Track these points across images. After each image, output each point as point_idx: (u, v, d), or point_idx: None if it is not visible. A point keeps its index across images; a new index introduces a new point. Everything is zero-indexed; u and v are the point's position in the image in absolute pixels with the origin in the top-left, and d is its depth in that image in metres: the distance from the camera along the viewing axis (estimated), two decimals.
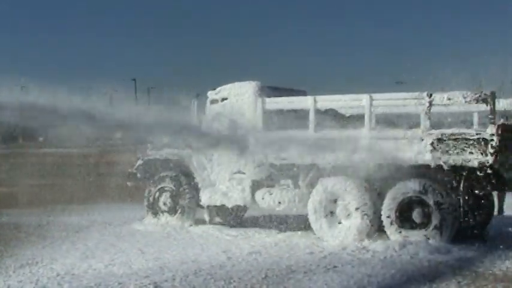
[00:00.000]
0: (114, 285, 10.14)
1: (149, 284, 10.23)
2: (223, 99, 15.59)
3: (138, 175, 16.87)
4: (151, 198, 16.40)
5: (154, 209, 16.34)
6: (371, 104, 13.72)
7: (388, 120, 15.34)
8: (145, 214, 16.51)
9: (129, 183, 17.50)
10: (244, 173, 15.13)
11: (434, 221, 12.99)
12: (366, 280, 10.42)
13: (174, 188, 16.10)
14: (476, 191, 13.19)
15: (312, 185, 14.23)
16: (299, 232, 14.45)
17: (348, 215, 13.75)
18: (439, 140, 12.88)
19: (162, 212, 16.23)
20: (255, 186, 14.96)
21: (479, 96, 12.83)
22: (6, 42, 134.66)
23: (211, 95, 15.82)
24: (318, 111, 14.23)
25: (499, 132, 12.50)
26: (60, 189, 24.65)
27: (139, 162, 16.85)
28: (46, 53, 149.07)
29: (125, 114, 12.78)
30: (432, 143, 12.91)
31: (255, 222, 16.30)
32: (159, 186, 16.31)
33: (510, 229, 14.94)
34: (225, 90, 15.65)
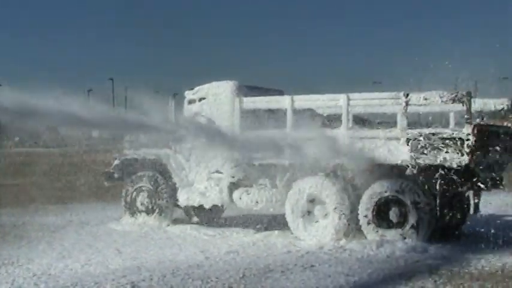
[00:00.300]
0: (91, 285, 10.08)
1: (126, 283, 10.19)
2: (201, 98, 15.57)
3: (115, 175, 16.81)
4: (128, 198, 16.34)
5: (131, 208, 16.28)
6: (348, 104, 13.77)
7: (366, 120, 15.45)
8: (123, 214, 16.45)
9: (106, 183, 17.42)
10: (222, 173, 15.13)
11: (411, 220, 13.07)
12: (343, 279, 10.45)
13: (151, 187, 16.05)
14: (452, 191, 13.30)
15: (289, 185, 14.26)
16: (276, 231, 14.45)
17: (325, 214, 13.78)
18: (416, 140, 12.95)
19: (140, 211, 16.18)
20: (233, 186, 14.96)
21: (456, 96, 12.92)
22: None
23: (188, 94, 15.80)
24: (295, 111, 14.25)
25: (475, 132, 12.59)
26: (36, 188, 24.49)
27: (116, 161, 16.79)
28: (22, 53, 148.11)
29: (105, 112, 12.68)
30: (409, 143, 12.98)
31: (233, 222, 16.30)
32: (137, 186, 16.26)
33: (485, 228, 15.04)
34: (202, 90, 15.63)
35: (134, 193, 16.27)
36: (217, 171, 15.21)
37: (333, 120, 15.12)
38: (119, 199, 16.80)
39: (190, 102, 15.71)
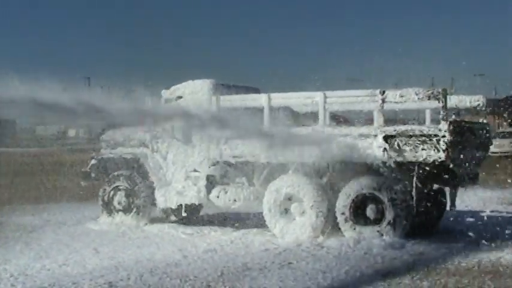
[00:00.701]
0: (69, 285, 10.04)
1: (104, 283, 10.16)
2: (178, 97, 15.53)
3: (92, 174, 16.75)
4: (105, 198, 16.28)
5: (109, 208, 16.22)
6: (325, 102, 13.81)
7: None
8: (100, 213, 16.38)
9: (83, 183, 17.36)
10: (199, 172, 15.12)
11: (388, 217, 13.13)
12: (320, 276, 10.49)
13: (128, 186, 16.00)
14: (429, 187, 13.39)
15: (266, 183, 14.27)
16: (254, 229, 14.47)
17: (303, 212, 13.81)
18: (392, 137, 13.02)
19: (117, 211, 16.12)
20: (210, 184, 14.96)
21: (431, 93, 12.99)
22: None
23: (165, 94, 15.74)
24: (272, 109, 14.26)
25: (451, 128, 12.68)
26: (13, 188, 24.35)
27: (93, 161, 16.72)
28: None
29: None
30: (385, 140, 13.04)
31: (211, 221, 16.29)
32: (114, 185, 16.20)
33: (462, 224, 15.18)
34: (179, 89, 15.59)
35: (111, 192, 16.21)
36: (195, 170, 15.21)
37: (309, 118, 15.18)
38: (96, 199, 16.71)
39: (167, 101, 15.66)
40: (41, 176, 28.89)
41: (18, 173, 29.60)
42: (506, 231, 14.50)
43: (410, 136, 12.95)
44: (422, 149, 12.83)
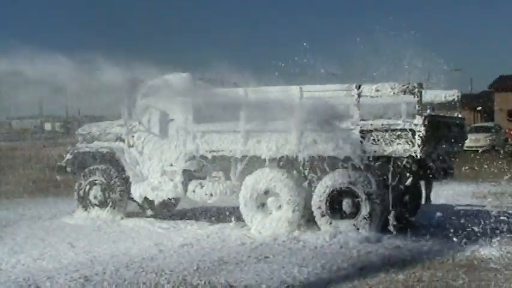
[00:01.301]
0: (43, 280, 9.98)
1: (79, 277, 10.11)
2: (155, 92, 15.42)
3: (68, 168, 16.65)
4: (81, 192, 16.18)
5: (84, 202, 16.13)
6: (301, 95, 13.81)
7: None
8: (76, 208, 16.29)
9: (58, 177, 17.27)
10: (175, 166, 15.08)
11: (364, 211, 13.17)
12: (296, 270, 10.50)
13: (104, 181, 15.92)
14: (404, 181, 13.44)
15: (243, 177, 14.27)
16: (231, 224, 14.46)
17: (279, 206, 13.83)
18: (368, 131, 13.06)
19: (93, 205, 16.04)
20: (187, 179, 14.93)
21: (407, 87, 13.05)
22: None
23: (141, 89, 15.62)
24: (249, 103, 14.24)
25: (426, 123, 12.74)
26: None
27: (69, 155, 16.62)
28: None
29: None
30: (361, 134, 13.08)
31: (187, 215, 16.27)
32: (90, 180, 16.11)
33: (437, 218, 15.26)
34: (155, 84, 15.45)
35: (87, 187, 16.12)
36: (171, 165, 15.17)
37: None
38: (72, 193, 16.63)
39: (144, 96, 15.56)
40: (16, 170, 28.68)
41: None
42: (481, 225, 14.61)
43: (386, 130, 13.00)
44: (398, 144, 12.88)
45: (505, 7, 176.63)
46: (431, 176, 13.86)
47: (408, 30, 15.26)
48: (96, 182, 16.02)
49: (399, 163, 13.01)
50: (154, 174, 15.39)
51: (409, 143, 12.80)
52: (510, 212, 17.47)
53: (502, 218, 16.16)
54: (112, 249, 12.29)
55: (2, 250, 12.28)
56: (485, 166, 30.21)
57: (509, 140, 53.83)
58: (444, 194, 18.94)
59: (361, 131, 13.08)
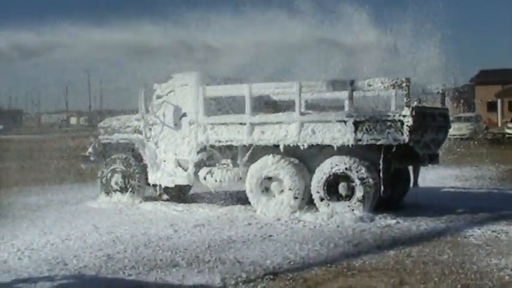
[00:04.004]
0: (71, 258, 10.00)
1: (103, 256, 10.14)
2: (169, 92, 15.41)
3: (91, 158, 16.69)
4: (104, 179, 16.22)
5: (107, 188, 16.17)
6: (300, 91, 13.81)
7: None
8: (99, 193, 16.32)
9: (83, 166, 17.32)
10: (188, 155, 15.08)
11: (358, 193, 13.17)
12: (297, 247, 10.52)
13: (124, 169, 15.95)
14: (394, 166, 13.44)
15: (249, 164, 14.27)
16: (238, 206, 14.49)
17: (282, 190, 13.82)
18: (361, 122, 13.05)
19: (114, 190, 16.07)
20: (198, 166, 14.94)
21: (396, 82, 13.03)
22: None
23: (157, 90, 15.58)
24: (253, 98, 14.25)
25: (413, 113, 12.73)
26: (20, 171, 24.24)
27: (92, 146, 16.68)
28: None
29: None
30: (354, 124, 13.07)
31: (199, 199, 16.28)
32: (111, 168, 16.14)
33: (424, 199, 15.27)
34: (169, 85, 15.42)
35: (109, 174, 16.15)
36: (184, 154, 15.17)
37: (287, 105, 15.19)
38: (95, 180, 16.66)
39: (159, 97, 15.56)
40: (45, 160, 28.77)
41: (25, 157, 29.46)
42: (463, 205, 14.64)
43: (377, 121, 12.99)
44: (388, 133, 12.87)
45: (484, 6, 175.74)
46: (418, 161, 13.84)
47: (398, 27, 15.22)
48: (117, 169, 16.05)
49: (389, 150, 13.00)
50: (169, 163, 15.40)
51: (398, 132, 12.78)
52: (490, 193, 17.53)
53: (482, 198, 16.22)
54: (132, 230, 12.31)
55: (33, 232, 12.31)
56: (467, 152, 30.24)
57: (489, 128, 53.83)
58: (430, 177, 18.92)
59: (355, 122, 13.06)
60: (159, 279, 8.70)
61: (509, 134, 46.87)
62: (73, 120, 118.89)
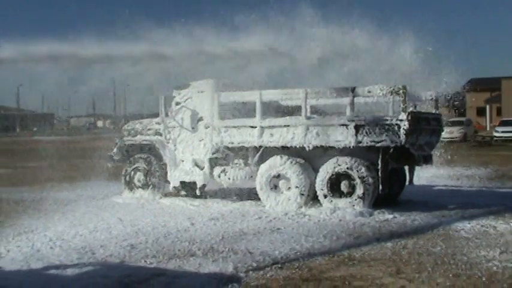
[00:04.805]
0: (98, 248, 10.06)
1: (126, 245, 10.19)
2: (187, 99, 15.44)
3: (116, 157, 16.75)
4: (127, 176, 16.27)
5: (130, 185, 16.21)
6: (306, 97, 13.81)
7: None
8: (123, 189, 16.36)
9: (109, 164, 17.38)
10: (204, 155, 15.11)
11: (358, 191, 13.16)
12: (303, 239, 10.53)
13: (146, 167, 15.99)
14: (391, 166, 13.41)
15: (259, 164, 14.28)
16: (249, 202, 14.50)
17: (289, 187, 13.83)
18: (361, 125, 13.03)
19: (137, 187, 16.11)
20: (213, 166, 14.96)
21: (393, 89, 13.01)
22: None
23: (176, 96, 15.60)
24: (263, 103, 14.26)
25: (409, 118, 12.71)
26: (51, 170, 24.35)
27: (117, 146, 16.74)
28: None
29: None
30: (355, 128, 13.06)
31: (214, 195, 16.30)
32: (134, 166, 16.19)
33: (419, 196, 15.24)
34: (187, 92, 15.45)
35: (132, 172, 16.20)
36: (200, 154, 15.19)
37: (294, 110, 15.18)
38: (120, 177, 16.72)
39: (177, 104, 15.59)
40: (75, 159, 28.88)
41: (56, 157, 29.57)
42: (454, 201, 14.58)
43: (376, 125, 12.97)
44: (386, 135, 12.85)
45: (471, 19, 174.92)
46: (413, 161, 13.80)
47: (396, 36, 15.14)
48: (139, 168, 16.09)
49: (387, 151, 12.98)
50: (186, 162, 15.43)
51: (396, 134, 12.76)
52: (479, 191, 17.46)
53: (472, 196, 16.15)
54: (153, 223, 12.35)
55: (64, 223, 12.37)
56: (459, 153, 30.10)
57: (478, 132, 53.64)
58: (425, 176, 18.87)
59: (356, 126, 13.05)
60: (178, 267, 8.74)
61: (497, 137, 46.75)
62: (99, 123, 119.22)
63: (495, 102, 71.46)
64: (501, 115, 62.41)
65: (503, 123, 49.91)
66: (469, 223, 11.82)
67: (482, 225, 11.59)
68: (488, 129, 62.43)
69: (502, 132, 47.50)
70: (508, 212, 12.97)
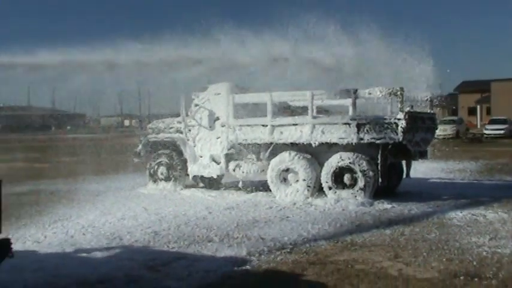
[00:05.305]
0: (125, 234, 10.12)
1: (151, 232, 10.23)
2: (206, 101, 15.46)
3: (141, 153, 16.81)
4: (151, 170, 16.31)
5: (154, 177, 16.26)
6: (313, 98, 13.79)
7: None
8: (148, 181, 16.41)
9: (134, 159, 17.44)
10: (220, 151, 15.13)
11: (360, 183, 13.12)
12: (310, 226, 10.53)
13: (168, 162, 16.03)
14: (390, 160, 13.37)
15: (270, 159, 14.28)
16: (261, 193, 14.50)
17: (297, 180, 13.82)
18: (362, 124, 13.00)
19: (160, 179, 16.16)
20: (228, 160, 14.98)
21: (392, 91, 12.97)
22: None
23: (195, 99, 15.62)
24: (273, 104, 14.25)
25: (406, 117, 12.67)
26: (84, 164, 24.49)
27: (142, 143, 16.79)
28: None
29: None
30: (357, 126, 13.03)
31: (229, 186, 16.32)
32: (157, 161, 16.23)
33: (415, 188, 15.18)
34: (205, 95, 15.46)
35: (156, 166, 16.24)
36: (217, 150, 15.22)
37: (301, 110, 15.14)
38: (145, 171, 16.78)
39: (196, 106, 15.62)
40: (104, 154, 29.01)
41: (87, 152, 29.71)
42: (448, 192, 14.52)
43: (376, 123, 12.94)
44: (385, 133, 12.81)
45: (463, 23, 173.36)
46: (410, 156, 13.76)
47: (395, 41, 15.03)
48: (162, 162, 16.14)
49: (386, 147, 12.94)
50: (204, 157, 15.46)
51: (394, 132, 12.72)
52: (470, 183, 17.37)
53: (464, 187, 16.08)
54: (174, 211, 12.39)
55: (95, 212, 12.44)
56: (451, 149, 29.93)
57: (469, 129, 53.34)
58: (420, 170, 18.78)
59: (357, 124, 13.02)
60: (197, 252, 8.77)
61: (486, 134, 46.57)
62: (126, 122, 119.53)
63: (485, 102, 71.04)
64: (490, 114, 62.11)
65: (492, 122, 49.75)
66: (461, 212, 11.77)
67: (473, 214, 11.53)
68: (478, 127, 62.02)
69: (491, 130, 47.37)
70: (497, 202, 12.90)
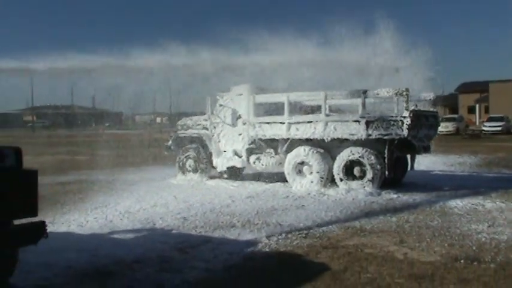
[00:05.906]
0: (157, 219, 10.18)
1: (180, 218, 10.29)
2: (229, 100, 15.47)
3: (172, 147, 16.88)
4: (180, 163, 16.38)
5: (182, 169, 16.32)
6: (326, 98, 13.72)
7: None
8: (177, 173, 16.49)
9: (165, 153, 17.53)
10: (242, 145, 15.14)
11: (368, 175, 13.04)
12: (323, 214, 10.50)
13: (195, 155, 16.08)
14: (396, 155, 13.26)
15: (286, 153, 14.25)
16: (279, 183, 14.48)
17: (311, 172, 13.78)
18: (371, 121, 12.91)
19: (188, 171, 16.22)
20: (249, 154, 14.99)
21: (398, 91, 12.86)
22: None
23: (220, 99, 15.63)
24: (290, 103, 14.21)
25: (411, 115, 12.55)
26: (121, 157, 24.69)
27: (172, 138, 16.86)
28: None
29: None
30: (366, 123, 12.94)
31: (250, 177, 16.33)
32: (186, 154, 16.29)
33: (419, 180, 15.04)
34: (229, 95, 15.47)
35: (184, 159, 16.30)
36: (239, 145, 15.24)
37: (315, 109, 15.09)
38: (174, 163, 16.85)
39: (220, 106, 15.64)
40: (138, 148, 29.20)
41: (123, 147, 29.95)
42: (449, 184, 14.36)
43: (384, 121, 12.84)
44: (392, 129, 12.72)
45: (461, 27, 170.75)
46: (414, 151, 13.63)
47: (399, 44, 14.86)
48: (190, 156, 16.19)
49: (392, 142, 12.84)
50: (228, 152, 15.48)
51: (400, 129, 12.62)
52: (470, 175, 17.16)
53: (464, 179, 15.89)
54: (201, 200, 12.42)
55: (130, 200, 12.53)
56: (452, 144, 29.57)
57: (469, 126, 52.76)
58: (424, 163, 18.60)
59: (366, 121, 12.93)
60: (221, 236, 8.79)
61: (485, 131, 46.01)
62: (158, 120, 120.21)
63: (483, 101, 70.13)
64: (488, 113, 61.34)
65: (490, 119, 49.16)
66: (461, 202, 11.63)
67: (472, 204, 11.38)
68: (477, 124, 61.23)
69: (489, 126, 46.82)
70: (494, 193, 12.73)
